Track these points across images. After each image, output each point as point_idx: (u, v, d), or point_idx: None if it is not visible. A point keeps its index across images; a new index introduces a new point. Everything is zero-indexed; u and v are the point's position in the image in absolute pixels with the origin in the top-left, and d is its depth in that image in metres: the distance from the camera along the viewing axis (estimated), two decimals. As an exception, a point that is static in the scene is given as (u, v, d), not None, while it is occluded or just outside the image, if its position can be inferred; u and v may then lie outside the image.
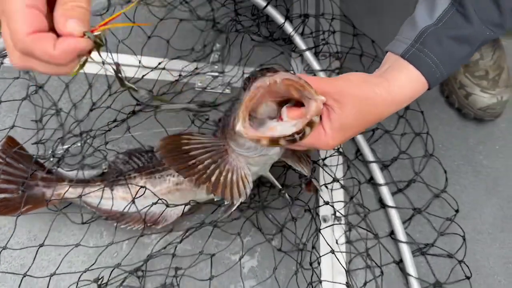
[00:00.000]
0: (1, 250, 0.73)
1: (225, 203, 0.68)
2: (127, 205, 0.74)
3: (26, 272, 0.71)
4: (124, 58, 0.94)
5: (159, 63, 0.94)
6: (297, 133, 0.53)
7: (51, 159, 0.80)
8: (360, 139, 0.89)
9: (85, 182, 0.76)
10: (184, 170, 0.64)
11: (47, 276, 0.71)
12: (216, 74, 0.96)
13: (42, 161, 0.79)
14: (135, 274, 0.72)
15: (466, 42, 0.59)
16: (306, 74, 0.58)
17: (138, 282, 0.73)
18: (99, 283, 0.70)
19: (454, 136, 0.95)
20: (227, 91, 0.95)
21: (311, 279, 0.75)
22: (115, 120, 0.87)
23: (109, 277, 0.71)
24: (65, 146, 0.82)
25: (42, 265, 0.76)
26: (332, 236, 0.82)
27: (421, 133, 0.92)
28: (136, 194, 0.73)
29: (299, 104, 0.57)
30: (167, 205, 0.73)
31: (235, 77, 0.96)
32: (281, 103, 0.59)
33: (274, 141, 0.54)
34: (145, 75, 0.93)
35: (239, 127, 0.54)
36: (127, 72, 0.93)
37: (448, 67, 0.59)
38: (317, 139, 0.58)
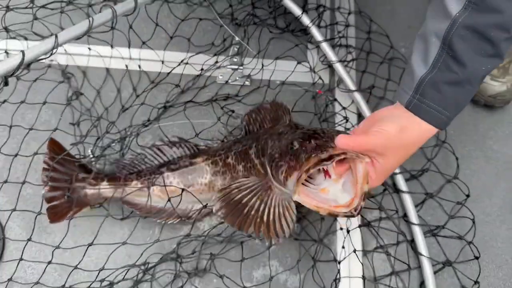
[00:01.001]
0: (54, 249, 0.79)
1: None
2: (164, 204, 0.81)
3: (77, 265, 0.79)
4: (148, 54, 0.99)
5: (182, 60, 0.98)
6: (355, 209, 0.60)
7: (92, 159, 0.85)
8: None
9: (123, 180, 0.82)
10: (243, 224, 0.70)
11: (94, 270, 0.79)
12: (236, 66, 1.01)
13: (82, 159, 0.84)
14: (170, 257, 0.79)
15: (465, 84, 0.60)
16: (348, 135, 0.63)
17: (174, 265, 0.79)
18: (144, 267, 0.78)
19: (465, 123, 0.99)
20: (247, 83, 0.99)
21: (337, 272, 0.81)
22: (148, 120, 0.93)
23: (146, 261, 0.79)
24: (104, 144, 0.88)
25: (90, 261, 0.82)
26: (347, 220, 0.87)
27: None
28: (173, 195, 0.79)
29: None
30: (204, 206, 0.80)
31: (255, 69, 1.00)
32: None
33: (332, 214, 0.60)
34: (171, 70, 0.97)
35: (296, 198, 0.61)
36: (152, 67, 0.98)
37: (452, 110, 0.62)
38: None
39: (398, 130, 0.61)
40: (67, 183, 0.79)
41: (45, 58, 0.68)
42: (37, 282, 0.78)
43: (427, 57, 0.61)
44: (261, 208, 0.71)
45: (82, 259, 0.79)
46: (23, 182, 0.83)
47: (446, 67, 0.60)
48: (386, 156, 0.62)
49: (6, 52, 0.89)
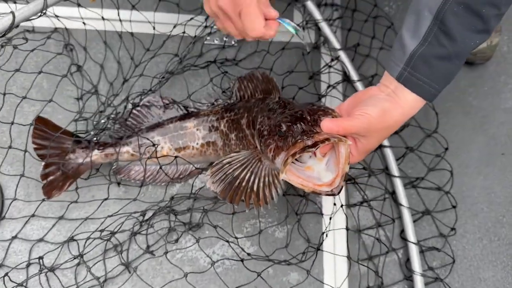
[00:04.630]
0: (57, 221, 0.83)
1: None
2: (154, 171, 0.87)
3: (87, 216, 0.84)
4: (138, 16, 0.98)
5: (175, 26, 0.98)
6: (336, 188, 0.65)
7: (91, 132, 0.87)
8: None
9: (112, 146, 0.84)
10: (234, 197, 0.74)
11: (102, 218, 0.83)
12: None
13: (84, 135, 0.86)
14: (165, 211, 0.84)
15: (454, 58, 0.63)
16: (333, 119, 0.66)
17: (169, 218, 0.84)
18: (143, 219, 0.83)
19: (447, 79, 1.02)
20: (234, 43, 1.01)
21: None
22: (150, 90, 0.93)
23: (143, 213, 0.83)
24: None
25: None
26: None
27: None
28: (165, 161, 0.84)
29: None
30: (197, 168, 0.85)
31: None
32: None
33: (315, 192, 0.65)
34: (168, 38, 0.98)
35: (283, 176, 0.65)
36: (142, 29, 0.98)
37: (441, 82, 0.64)
38: None
39: (381, 114, 0.64)
40: (59, 157, 0.80)
41: (35, 19, 0.69)
42: (41, 239, 0.82)
43: (418, 30, 0.63)
44: (252, 179, 0.75)
45: (93, 212, 0.84)
46: (25, 151, 0.82)
47: (437, 42, 0.62)
48: (368, 137, 0.67)
49: (-6, 14, 0.90)
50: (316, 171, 0.68)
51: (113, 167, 0.85)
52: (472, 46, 0.62)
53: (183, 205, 0.87)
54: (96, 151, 0.83)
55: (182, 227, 0.85)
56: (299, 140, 0.65)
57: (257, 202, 0.74)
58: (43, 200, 0.82)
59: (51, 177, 0.80)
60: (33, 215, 0.83)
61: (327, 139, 0.63)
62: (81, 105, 0.90)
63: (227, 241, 0.82)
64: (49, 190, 0.80)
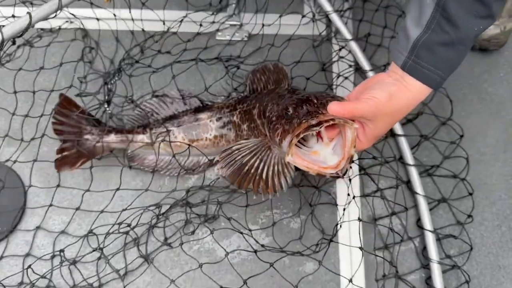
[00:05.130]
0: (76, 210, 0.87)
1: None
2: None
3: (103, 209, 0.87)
4: (148, 14, 1.01)
5: (183, 17, 1.01)
6: (341, 171, 0.65)
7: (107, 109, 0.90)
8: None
9: (129, 133, 0.87)
10: (242, 182, 0.75)
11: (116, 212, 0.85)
12: (234, 23, 1.03)
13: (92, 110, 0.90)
14: (181, 204, 0.85)
15: (458, 44, 0.62)
16: (340, 102, 0.65)
17: (185, 211, 0.86)
18: (158, 212, 0.85)
19: (461, 66, 1.00)
20: (245, 38, 1.02)
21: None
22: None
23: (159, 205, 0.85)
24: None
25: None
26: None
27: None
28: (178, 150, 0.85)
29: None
30: (210, 160, 0.86)
31: (251, 23, 1.03)
32: None
33: (321, 174, 0.66)
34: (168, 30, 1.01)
35: (289, 159, 0.66)
36: (152, 27, 1.01)
37: (446, 70, 0.64)
38: None
39: (388, 98, 0.64)
40: (77, 136, 0.85)
41: (51, 18, 0.72)
42: (63, 231, 0.85)
43: (421, 18, 0.63)
44: (261, 166, 0.76)
45: (109, 203, 0.87)
46: (42, 135, 0.90)
47: (440, 28, 0.62)
48: (375, 122, 0.66)
49: (13, 16, 0.93)
50: (322, 156, 0.68)
51: (128, 154, 0.88)
52: (476, 32, 0.62)
53: (198, 198, 0.88)
54: (112, 136, 0.86)
55: (198, 219, 0.86)
56: (304, 121, 0.66)
57: (265, 189, 0.74)
58: (58, 186, 0.87)
59: (65, 153, 0.85)
60: (51, 205, 0.87)
61: (332, 119, 0.63)
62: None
63: (241, 233, 0.83)
64: (61, 164, 0.84)
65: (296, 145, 0.67)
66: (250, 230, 0.85)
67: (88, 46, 0.98)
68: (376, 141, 0.72)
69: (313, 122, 0.64)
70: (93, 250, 0.82)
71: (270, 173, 0.75)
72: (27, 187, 0.88)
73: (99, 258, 0.81)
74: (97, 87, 0.93)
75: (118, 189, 0.87)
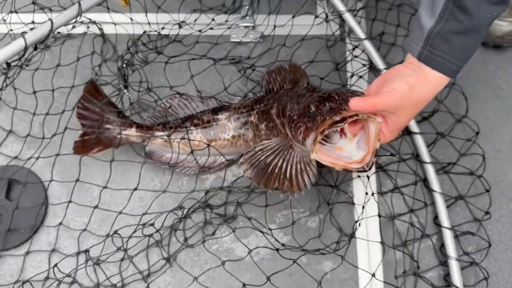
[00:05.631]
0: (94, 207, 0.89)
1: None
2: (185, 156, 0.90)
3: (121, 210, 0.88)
4: (163, 17, 1.03)
5: (195, 19, 1.03)
6: (367, 165, 0.66)
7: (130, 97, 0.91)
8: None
9: (149, 129, 0.89)
10: (268, 182, 0.76)
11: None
12: (248, 24, 1.04)
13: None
14: (200, 205, 0.87)
15: (471, 32, 0.63)
16: (361, 97, 0.66)
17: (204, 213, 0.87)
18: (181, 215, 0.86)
19: (475, 64, 1.01)
20: (260, 40, 1.03)
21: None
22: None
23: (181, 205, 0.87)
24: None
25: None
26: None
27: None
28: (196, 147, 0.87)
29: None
30: (227, 160, 0.88)
31: (263, 24, 1.04)
32: None
33: (346, 169, 0.67)
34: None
35: (314, 156, 0.67)
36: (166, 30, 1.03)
37: (462, 58, 0.65)
38: None
39: (408, 89, 0.65)
40: (99, 123, 0.87)
41: (71, 24, 0.73)
42: (85, 229, 0.87)
43: (434, 8, 0.64)
44: (284, 166, 0.77)
45: (127, 203, 0.88)
46: (65, 129, 0.92)
47: (453, 17, 0.62)
48: (397, 114, 0.67)
49: (32, 22, 0.95)
50: (347, 151, 0.69)
51: (146, 150, 0.90)
52: (490, 19, 0.63)
53: (217, 199, 0.89)
54: (133, 129, 0.88)
55: (218, 219, 0.87)
56: (328, 118, 0.66)
57: (290, 188, 0.75)
58: (77, 180, 0.89)
59: (86, 137, 0.87)
60: (70, 201, 0.89)
61: (356, 115, 0.64)
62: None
63: (262, 232, 0.84)
64: (79, 147, 0.86)
65: (320, 142, 0.68)
66: (270, 230, 0.85)
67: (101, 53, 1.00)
68: (399, 132, 0.72)
69: (337, 118, 0.65)
70: (118, 249, 0.83)
71: (294, 171, 0.76)
72: (47, 182, 0.90)
73: (122, 259, 0.83)
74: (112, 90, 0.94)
75: (135, 189, 0.88)
